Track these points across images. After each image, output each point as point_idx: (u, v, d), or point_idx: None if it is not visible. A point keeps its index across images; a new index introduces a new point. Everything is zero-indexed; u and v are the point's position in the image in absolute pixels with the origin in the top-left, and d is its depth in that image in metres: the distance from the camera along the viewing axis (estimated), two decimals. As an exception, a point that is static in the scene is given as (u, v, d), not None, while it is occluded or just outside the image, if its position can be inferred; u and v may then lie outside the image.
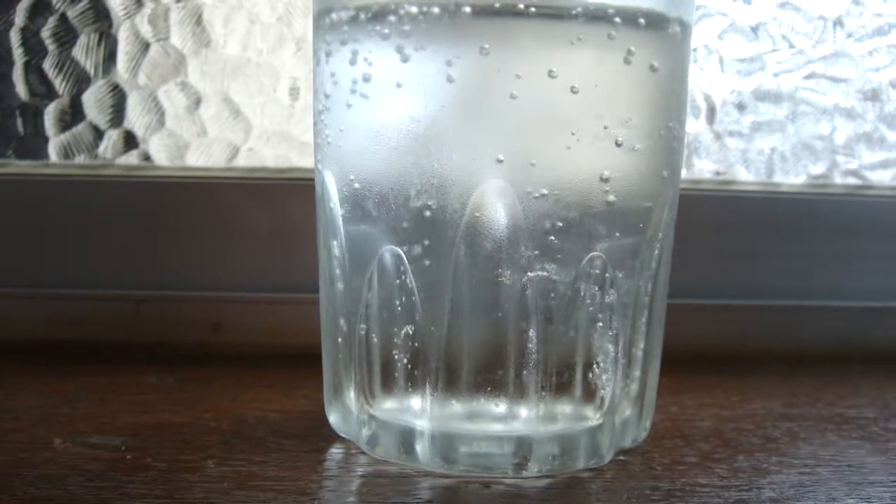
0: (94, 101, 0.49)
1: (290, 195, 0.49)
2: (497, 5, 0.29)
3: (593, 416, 0.32)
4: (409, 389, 0.32)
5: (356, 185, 0.32)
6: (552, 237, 0.30)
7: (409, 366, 0.32)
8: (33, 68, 0.49)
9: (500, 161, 0.30)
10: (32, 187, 0.48)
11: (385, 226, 0.31)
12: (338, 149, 0.33)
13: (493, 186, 0.30)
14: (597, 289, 0.31)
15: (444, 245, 0.30)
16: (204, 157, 0.50)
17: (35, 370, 0.43)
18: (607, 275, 0.31)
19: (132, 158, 0.50)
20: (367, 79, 0.31)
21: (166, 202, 0.48)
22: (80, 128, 0.49)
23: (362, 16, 0.31)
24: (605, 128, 0.30)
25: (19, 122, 0.49)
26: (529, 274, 0.30)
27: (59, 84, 0.49)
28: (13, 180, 0.48)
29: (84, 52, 0.49)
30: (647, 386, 0.34)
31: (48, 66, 0.49)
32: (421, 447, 0.32)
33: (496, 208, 0.30)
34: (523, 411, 0.31)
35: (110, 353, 0.46)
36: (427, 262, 0.31)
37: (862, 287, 0.52)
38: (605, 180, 0.31)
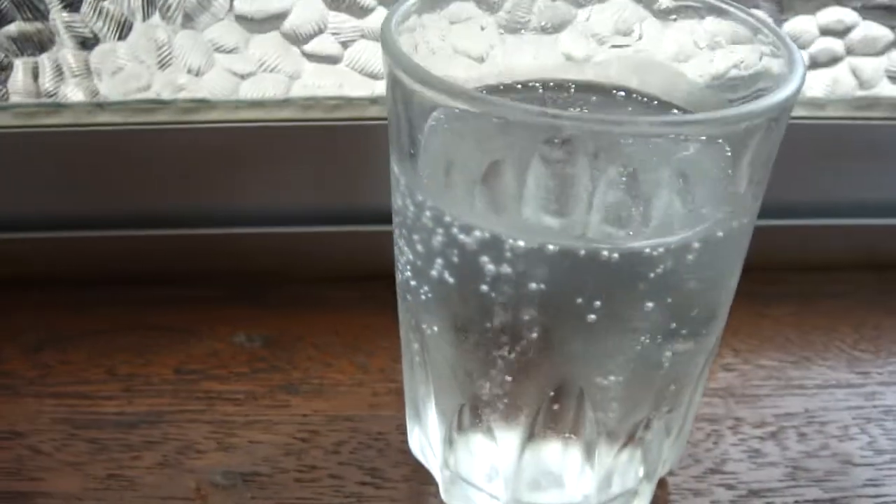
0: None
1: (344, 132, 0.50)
2: (582, 252, 0.30)
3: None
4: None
5: (438, 355, 0.35)
6: (613, 404, 0.35)
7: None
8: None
9: (574, 360, 0.33)
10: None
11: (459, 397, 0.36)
12: (422, 303, 0.35)
13: (566, 380, 0.34)
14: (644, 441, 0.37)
15: (517, 422, 0.35)
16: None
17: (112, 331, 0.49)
18: (652, 433, 0.36)
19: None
20: (449, 270, 0.33)
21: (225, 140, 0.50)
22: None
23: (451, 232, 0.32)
24: (673, 326, 0.33)
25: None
26: (591, 442, 0.35)
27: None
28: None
29: None
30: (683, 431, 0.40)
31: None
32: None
33: (568, 395, 0.34)
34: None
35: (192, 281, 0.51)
36: (499, 433, 0.36)
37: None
38: (666, 359, 0.34)
